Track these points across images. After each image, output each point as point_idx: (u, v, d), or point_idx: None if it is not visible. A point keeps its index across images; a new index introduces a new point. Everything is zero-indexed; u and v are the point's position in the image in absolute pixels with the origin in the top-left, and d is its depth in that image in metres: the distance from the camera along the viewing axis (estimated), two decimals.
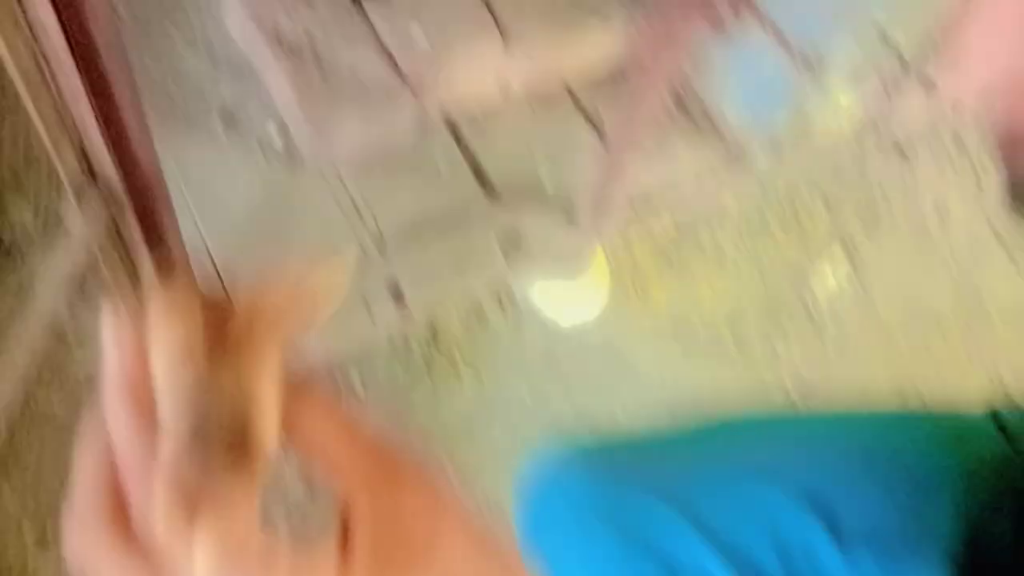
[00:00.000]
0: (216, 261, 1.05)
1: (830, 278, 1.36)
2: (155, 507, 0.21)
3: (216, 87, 1.17)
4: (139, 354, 0.22)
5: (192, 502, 0.20)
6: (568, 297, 1.22)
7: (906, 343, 1.33)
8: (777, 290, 1.33)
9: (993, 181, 1.53)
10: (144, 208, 0.63)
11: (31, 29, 0.53)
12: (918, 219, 1.47)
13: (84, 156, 0.61)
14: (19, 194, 1.13)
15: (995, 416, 0.58)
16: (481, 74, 1.13)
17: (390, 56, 1.10)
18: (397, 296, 1.08)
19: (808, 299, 1.34)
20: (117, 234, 0.65)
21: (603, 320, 1.24)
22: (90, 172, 0.61)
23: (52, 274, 0.66)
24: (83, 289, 1.07)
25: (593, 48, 1.19)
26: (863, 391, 0.65)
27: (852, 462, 0.57)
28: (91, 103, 0.57)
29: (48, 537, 0.97)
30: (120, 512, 0.22)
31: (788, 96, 1.14)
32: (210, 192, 1.10)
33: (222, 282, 1.03)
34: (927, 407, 0.64)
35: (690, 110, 1.26)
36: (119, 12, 1.16)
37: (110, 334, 0.22)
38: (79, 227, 0.61)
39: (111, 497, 0.23)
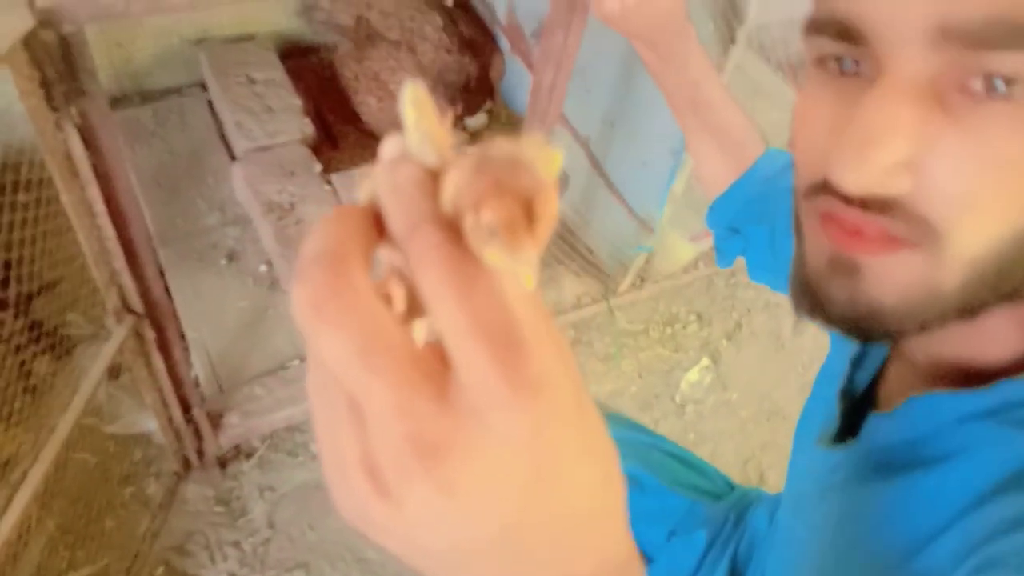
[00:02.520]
0: (212, 357, 1.45)
1: (697, 378, 1.71)
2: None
3: (224, 234, 1.61)
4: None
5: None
6: None
7: (755, 432, 1.65)
8: (651, 386, 1.68)
9: None
10: (157, 325, 1.04)
11: (92, 215, 0.94)
12: (775, 333, 1.82)
13: (120, 292, 1.01)
14: (75, 310, 1.56)
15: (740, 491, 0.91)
16: None
17: None
18: None
19: (676, 395, 1.67)
20: (140, 340, 1.06)
21: None
22: (123, 302, 1.02)
23: (95, 364, 1.06)
24: (117, 378, 1.48)
25: None
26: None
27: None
28: (126, 260, 0.97)
29: None
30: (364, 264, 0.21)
31: (638, 244, 1.53)
32: (214, 307, 1.51)
33: (215, 372, 1.43)
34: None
35: (577, 249, 1.66)
36: (160, 183, 1.63)
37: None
38: (115, 335, 1.02)
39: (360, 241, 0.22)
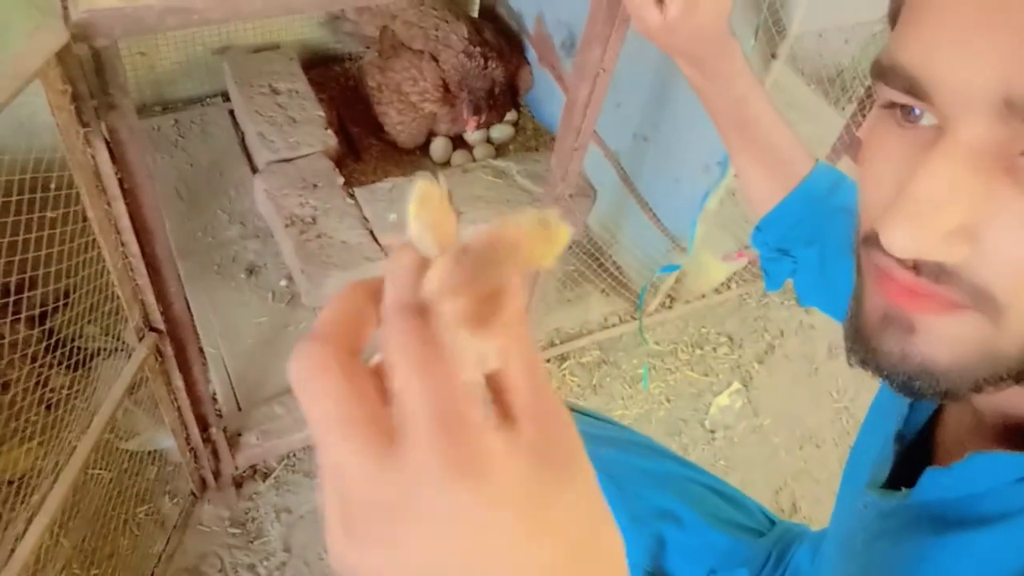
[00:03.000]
0: (230, 373, 1.41)
1: (727, 402, 1.65)
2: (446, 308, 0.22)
3: (244, 248, 1.57)
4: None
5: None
6: None
7: (788, 460, 1.60)
8: (679, 410, 1.63)
9: None
10: (178, 343, 1.01)
11: (117, 230, 0.91)
12: (809, 357, 1.76)
13: (143, 309, 0.98)
14: (92, 322, 1.52)
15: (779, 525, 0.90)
16: None
17: (370, 230, 1.50)
18: None
19: (706, 419, 1.62)
20: (160, 358, 1.02)
21: None
22: (145, 319, 0.98)
23: (115, 384, 1.02)
24: (134, 393, 1.45)
25: None
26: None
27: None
28: (149, 277, 0.94)
29: None
30: (354, 344, 0.25)
31: (668, 263, 1.49)
32: (233, 322, 1.47)
33: (233, 389, 1.39)
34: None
35: (605, 266, 1.61)
36: (180, 194, 1.60)
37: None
38: (136, 354, 0.98)
39: (350, 332, 0.26)
